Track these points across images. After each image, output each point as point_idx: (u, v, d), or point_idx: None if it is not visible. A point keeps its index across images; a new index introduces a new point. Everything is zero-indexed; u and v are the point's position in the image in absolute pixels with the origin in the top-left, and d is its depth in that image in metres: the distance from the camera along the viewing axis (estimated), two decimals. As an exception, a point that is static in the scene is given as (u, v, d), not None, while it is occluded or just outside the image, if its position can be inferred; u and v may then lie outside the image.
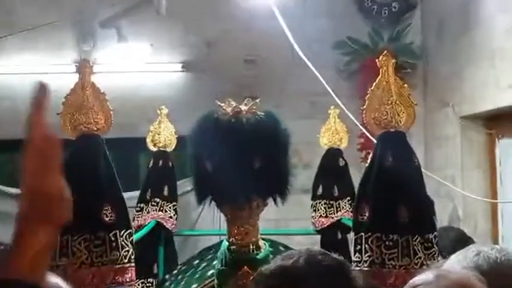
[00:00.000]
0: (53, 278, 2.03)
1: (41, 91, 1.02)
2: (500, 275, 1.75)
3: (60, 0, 5.16)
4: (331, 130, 4.08)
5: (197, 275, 3.39)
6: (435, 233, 2.46)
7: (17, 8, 4.86)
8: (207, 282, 3.09)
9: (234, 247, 2.79)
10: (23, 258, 1.02)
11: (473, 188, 4.54)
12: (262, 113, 2.80)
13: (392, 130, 2.53)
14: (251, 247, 2.79)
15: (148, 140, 3.98)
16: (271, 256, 2.74)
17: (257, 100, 2.83)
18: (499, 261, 1.81)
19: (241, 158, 2.69)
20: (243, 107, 2.80)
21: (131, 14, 5.00)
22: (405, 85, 2.61)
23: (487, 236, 4.52)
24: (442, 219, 3.68)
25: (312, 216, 4.07)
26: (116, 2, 5.07)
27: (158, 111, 4.01)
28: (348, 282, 1.68)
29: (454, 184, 4.37)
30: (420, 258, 2.41)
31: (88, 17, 5.23)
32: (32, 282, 1.01)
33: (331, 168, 4.04)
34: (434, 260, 2.35)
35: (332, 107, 4.02)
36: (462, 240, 2.90)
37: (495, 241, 4.45)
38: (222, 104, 2.80)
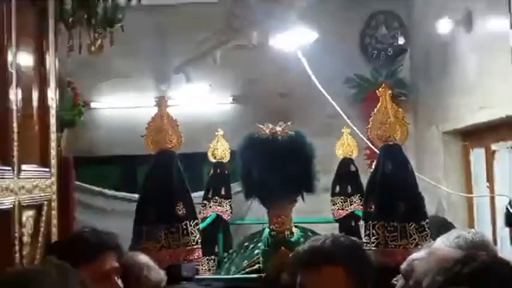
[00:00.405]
0: (143, 257, 2.07)
1: None
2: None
3: (144, 54, 5.27)
4: (344, 144, 4.06)
5: (247, 253, 3.38)
6: (427, 220, 2.42)
7: (112, 60, 4.95)
8: (254, 258, 3.08)
9: (274, 233, 2.79)
10: None
11: (454, 187, 4.47)
12: (293, 132, 2.81)
13: (391, 143, 2.51)
14: (286, 233, 2.78)
15: (209, 154, 4.01)
16: (302, 239, 2.73)
17: (289, 123, 2.84)
18: (474, 241, 1.78)
19: (277, 167, 2.70)
20: (278, 128, 2.81)
21: (195, 63, 5.07)
22: (399, 109, 2.58)
23: (464, 223, 4.43)
24: (430, 210, 3.61)
25: (332, 209, 4.03)
26: (184, 54, 5.15)
27: (216, 133, 4.04)
28: (363, 257, 1.68)
29: (439, 184, 4.29)
30: (415, 239, 2.37)
31: (164, 66, 5.33)
32: None
33: (345, 173, 4.01)
34: (426, 241, 2.31)
35: (344, 126, 4.00)
36: (446, 226, 2.83)
37: (471, 226, 4.36)
38: (262, 127, 2.82)
